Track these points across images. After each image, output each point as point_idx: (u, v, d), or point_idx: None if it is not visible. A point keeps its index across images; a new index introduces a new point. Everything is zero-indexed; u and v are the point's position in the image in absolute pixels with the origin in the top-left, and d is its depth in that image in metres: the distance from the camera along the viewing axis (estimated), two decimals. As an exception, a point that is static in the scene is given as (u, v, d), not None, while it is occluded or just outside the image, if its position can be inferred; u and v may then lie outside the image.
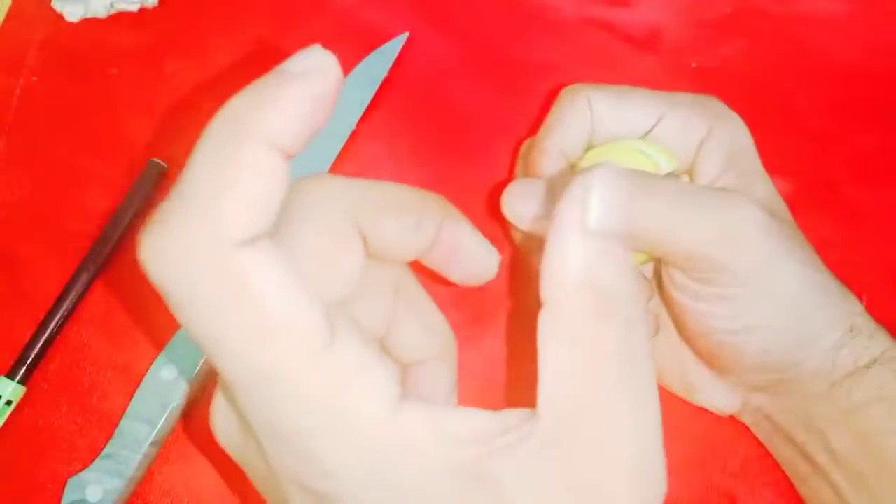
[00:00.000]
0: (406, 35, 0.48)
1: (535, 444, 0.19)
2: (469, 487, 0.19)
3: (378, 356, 0.19)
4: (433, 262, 0.25)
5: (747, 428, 0.38)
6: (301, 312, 0.18)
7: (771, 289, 0.32)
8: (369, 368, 0.19)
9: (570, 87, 0.36)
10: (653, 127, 0.35)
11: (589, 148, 0.35)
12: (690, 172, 0.35)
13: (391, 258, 0.24)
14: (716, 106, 0.35)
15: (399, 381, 0.20)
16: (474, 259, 0.25)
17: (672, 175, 0.34)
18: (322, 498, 0.19)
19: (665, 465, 0.20)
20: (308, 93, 0.18)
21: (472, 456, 0.19)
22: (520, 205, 0.33)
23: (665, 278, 0.33)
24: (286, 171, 0.18)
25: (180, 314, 0.18)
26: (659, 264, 0.34)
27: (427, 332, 0.26)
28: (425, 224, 0.24)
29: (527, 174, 0.37)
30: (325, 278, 0.22)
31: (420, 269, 0.26)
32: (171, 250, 0.18)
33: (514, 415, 0.19)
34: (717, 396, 0.37)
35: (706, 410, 0.38)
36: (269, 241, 0.18)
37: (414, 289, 0.26)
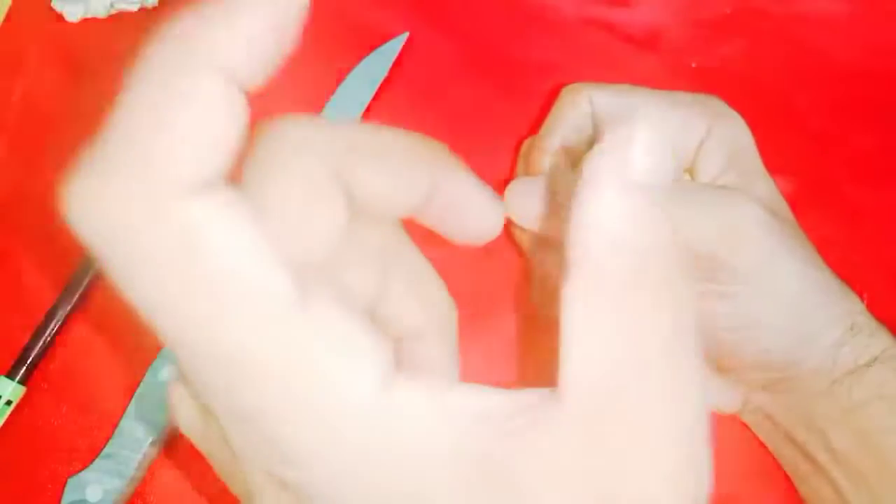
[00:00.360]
0: (406, 35, 0.48)
1: (556, 428, 0.16)
2: (476, 476, 0.16)
3: (364, 323, 0.16)
4: (429, 220, 0.21)
5: (747, 428, 0.38)
6: (263, 271, 0.15)
7: (772, 287, 0.32)
8: (353, 335, 0.15)
9: (571, 87, 0.36)
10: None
11: (590, 147, 0.36)
12: (691, 171, 0.35)
13: (380, 215, 0.21)
14: (716, 105, 0.35)
15: (391, 354, 0.16)
16: (477, 215, 0.22)
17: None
18: (296, 490, 0.16)
19: (710, 462, 0.17)
20: (267, 13, 0.15)
21: (481, 438, 0.16)
22: (521, 203, 0.33)
23: None
24: (243, 107, 0.15)
25: (117, 279, 0.15)
26: None
27: (423, 300, 0.23)
28: (420, 175, 0.20)
29: (528, 173, 0.37)
30: (299, 237, 0.18)
31: (411, 230, 0.23)
32: (103, 202, 0.14)
33: (530, 394, 0.16)
34: (718, 396, 0.37)
35: (706, 410, 0.38)
36: (224, 189, 0.15)
37: (407, 251, 0.22)
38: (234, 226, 0.14)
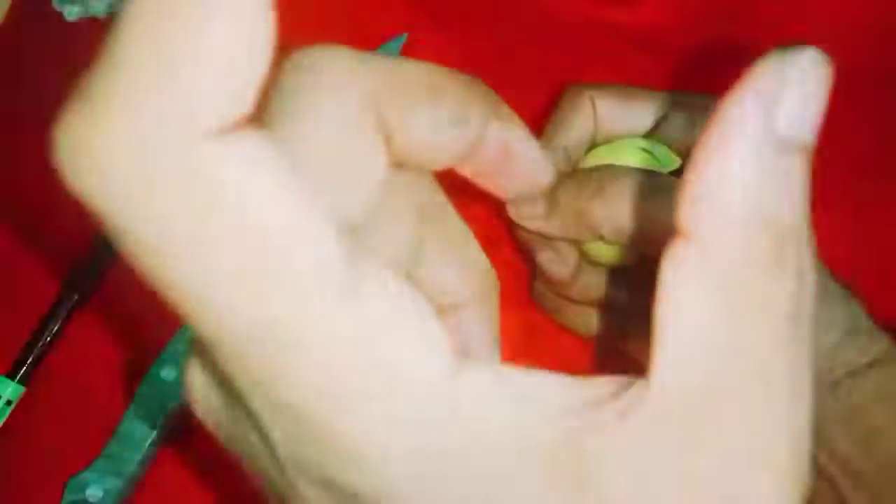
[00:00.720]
0: (405, 36, 0.48)
1: (651, 423, 0.14)
2: (561, 474, 0.13)
3: (422, 299, 0.13)
4: (476, 170, 0.19)
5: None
6: (314, 233, 0.12)
7: None
8: (416, 312, 0.13)
9: (573, 88, 0.36)
10: (657, 126, 0.35)
11: (592, 147, 0.36)
12: None
13: (421, 165, 0.18)
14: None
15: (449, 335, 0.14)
16: (527, 166, 0.20)
17: (675, 174, 0.35)
18: (350, 498, 0.14)
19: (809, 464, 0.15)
20: None
21: (565, 432, 0.13)
22: (524, 204, 0.33)
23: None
24: (269, 22, 0.11)
25: (133, 249, 0.12)
26: (653, 265, 0.35)
27: (462, 267, 0.20)
28: (469, 118, 0.18)
29: None
30: (338, 192, 0.16)
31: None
32: (107, 149, 0.11)
33: (610, 383, 0.14)
34: None
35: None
36: (256, 130, 0.12)
37: (444, 211, 0.20)
38: (272, 174, 0.12)
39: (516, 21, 0.49)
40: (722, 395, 0.14)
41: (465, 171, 0.19)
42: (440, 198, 0.20)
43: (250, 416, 0.14)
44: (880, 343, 0.33)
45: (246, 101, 0.11)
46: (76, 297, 0.43)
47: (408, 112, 0.17)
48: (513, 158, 0.19)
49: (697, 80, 0.47)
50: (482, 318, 0.20)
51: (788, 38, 0.48)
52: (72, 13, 0.50)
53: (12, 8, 0.51)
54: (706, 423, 0.14)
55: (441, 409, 0.13)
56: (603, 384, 0.14)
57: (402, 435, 0.13)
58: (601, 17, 0.49)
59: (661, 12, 0.49)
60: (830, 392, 0.33)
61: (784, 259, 0.14)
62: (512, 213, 0.32)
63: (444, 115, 0.18)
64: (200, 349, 0.16)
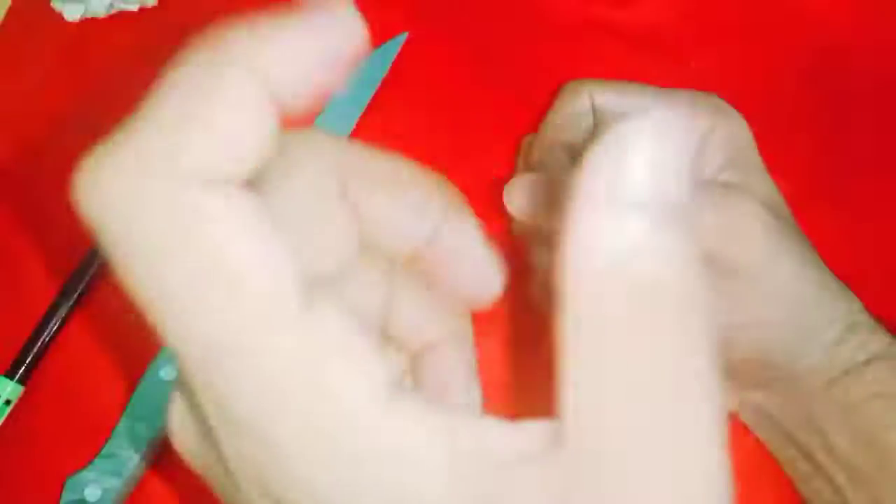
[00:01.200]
0: (405, 35, 0.48)
1: (554, 473, 0.14)
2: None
3: (367, 335, 0.15)
4: (428, 263, 0.21)
5: (747, 428, 0.38)
6: (269, 267, 0.14)
7: (771, 285, 0.32)
8: (354, 346, 0.14)
9: (572, 83, 0.36)
10: None
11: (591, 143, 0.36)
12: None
13: (383, 248, 0.20)
14: (717, 103, 0.35)
15: (398, 371, 0.16)
16: (476, 270, 0.21)
17: None
18: None
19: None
20: (317, 38, 0.15)
21: (477, 473, 0.14)
22: (523, 198, 0.32)
23: None
24: (275, 119, 0.14)
25: (120, 264, 0.15)
26: None
27: (435, 309, 0.22)
28: (426, 210, 0.19)
29: (528, 169, 0.37)
30: (308, 246, 0.18)
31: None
32: (118, 181, 0.14)
33: (531, 430, 0.15)
34: None
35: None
36: (241, 188, 0.14)
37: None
38: (244, 222, 0.14)
39: (516, 21, 0.49)
40: (617, 452, 0.14)
41: (420, 264, 0.20)
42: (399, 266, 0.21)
43: (215, 444, 0.16)
44: (879, 340, 0.33)
45: (238, 170, 0.14)
46: (76, 297, 0.43)
47: (371, 196, 0.19)
48: (463, 259, 0.20)
49: (697, 80, 0.47)
50: (457, 358, 0.22)
51: (789, 39, 0.48)
52: (72, 13, 0.50)
53: (12, 8, 0.51)
54: (608, 481, 0.14)
55: (369, 435, 0.14)
56: (524, 431, 0.15)
57: (328, 450, 0.14)
58: (601, 17, 0.49)
59: (660, 12, 0.49)
60: (828, 389, 0.33)
61: (656, 314, 0.14)
62: (510, 207, 0.32)
63: (402, 203, 0.19)
64: (181, 382, 0.18)
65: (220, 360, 0.14)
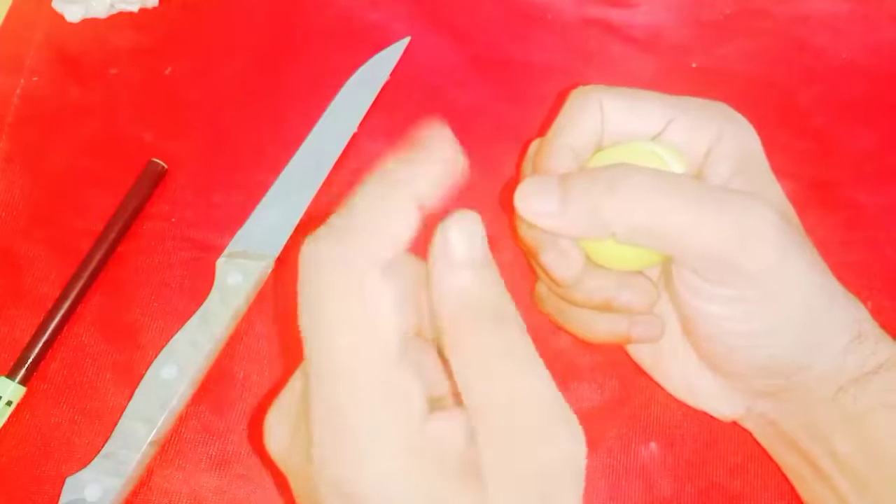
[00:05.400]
0: (408, 39, 0.48)
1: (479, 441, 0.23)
2: (463, 482, 0.23)
3: (420, 380, 0.24)
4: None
5: (751, 434, 0.38)
6: (389, 329, 0.23)
7: (783, 291, 0.31)
8: (412, 388, 0.23)
9: (581, 88, 0.35)
10: (662, 130, 0.34)
11: (598, 149, 0.35)
12: (699, 176, 0.35)
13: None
14: (725, 110, 0.35)
15: (426, 403, 0.24)
16: None
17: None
18: (350, 483, 0.23)
19: (570, 414, 0.24)
20: (445, 168, 0.24)
21: (458, 452, 0.23)
22: (536, 201, 0.32)
23: (677, 280, 0.33)
24: (419, 222, 0.24)
25: (307, 300, 0.23)
26: (669, 267, 0.34)
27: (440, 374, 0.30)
28: None
29: (536, 174, 0.37)
30: (406, 313, 0.26)
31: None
32: (329, 255, 0.23)
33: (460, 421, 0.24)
34: (721, 402, 0.37)
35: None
36: (394, 273, 0.23)
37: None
38: (388, 292, 0.23)
39: (517, 22, 0.49)
40: (491, 410, 0.23)
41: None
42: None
43: (303, 439, 0.24)
44: (885, 349, 0.33)
45: (396, 257, 0.23)
46: (76, 297, 0.43)
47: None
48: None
49: (697, 80, 0.47)
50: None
51: (789, 39, 0.48)
52: (72, 14, 0.50)
53: (12, 8, 0.51)
54: (516, 438, 0.23)
55: (414, 438, 0.23)
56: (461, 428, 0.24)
57: (389, 450, 0.23)
58: (601, 17, 0.49)
59: (660, 12, 0.49)
60: (835, 398, 0.33)
61: (485, 324, 0.24)
62: (522, 209, 0.32)
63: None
64: (279, 402, 0.26)
65: (338, 379, 0.23)
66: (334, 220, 0.23)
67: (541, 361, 0.24)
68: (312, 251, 0.23)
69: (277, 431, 0.26)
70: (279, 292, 0.43)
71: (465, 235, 0.24)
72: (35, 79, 0.49)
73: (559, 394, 0.24)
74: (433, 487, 0.23)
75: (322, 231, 0.23)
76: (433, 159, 0.24)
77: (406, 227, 0.23)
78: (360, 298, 0.23)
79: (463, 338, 0.24)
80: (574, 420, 0.24)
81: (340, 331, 0.23)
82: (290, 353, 0.42)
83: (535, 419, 0.24)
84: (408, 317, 0.27)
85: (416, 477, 0.23)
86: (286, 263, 0.43)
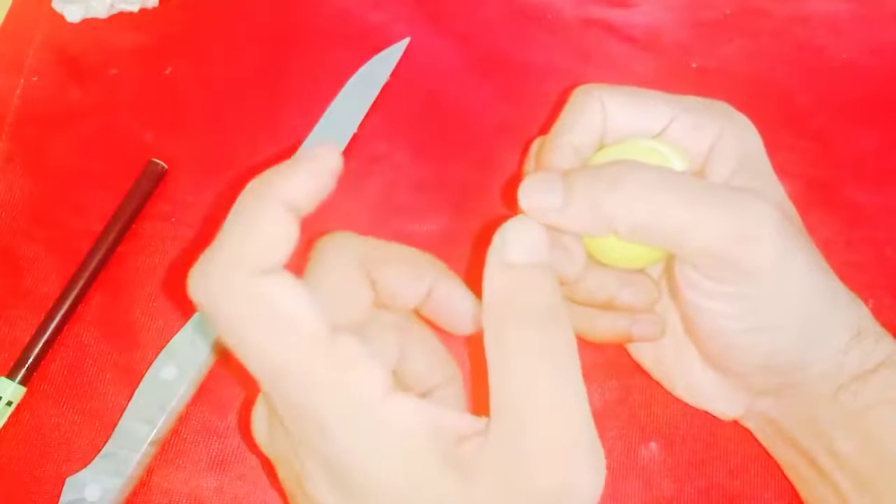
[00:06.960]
0: (408, 40, 0.48)
1: (492, 444, 0.24)
2: (448, 469, 0.24)
3: (374, 354, 0.24)
4: (428, 311, 0.30)
5: (750, 433, 0.38)
6: (305, 316, 0.23)
7: (784, 289, 0.31)
8: (365, 360, 0.24)
9: (583, 87, 0.35)
10: (664, 128, 0.34)
11: (600, 147, 0.35)
12: (701, 174, 0.35)
13: (396, 304, 0.29)
14: (727, 109, 0.35)
15: (391, 376, 0.24)
16: (459, 312, 0.30)
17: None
18: (332, 463, 0.24)
19: (597, 444, 0.25)
20: (312, 171, 0.24)
21: (441, 442, 0.24)
22: (539, 196, 0.32)
23: (679, 277, 0.33)
24: (295, 225, 0.24)
25: (217, 327, 0.24)
26: (670, 264, 0.34)
27: (433, 361, 0.31)
28: (423, 277, 0.29)
29: (539, 171, 0.36)
30: (339, 305, 0.27)
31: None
32: (210, 279, 0.23)
33: (482, 420, 0.25)
34: (722, 400, 0.37)
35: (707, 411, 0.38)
36: (285, 272, 0.24)
37: (419, 327, 0.31)
38: (288, 290, 0.23)
39: (517, 22, 0.49)
40: (529, 420, 0.24)
41: (423, 311, 0.30)
42: (416, 322, 0.31)
43: (281, 427, 0.25)
44: (886, 347, 0.33)
45: (277, 260, 0.24)
46: (76, 297, 0.43)
47: (383, 270, 0.29)
48: (450, 307, 0.30)
49: (697, 80, 0.47)
50: (453, 391, 0.31)
51: (789, 39, 0.48)
52: (72, 14, 0.50)
53: (12, 8, 0.51)
54: (528, 445, 0.24)
55: (376, 414, 0.24)
56: (472, 422, 0.25)
57: (354, 426, 0.24)
58: (601, 17, 0.49)
59: (660, 12, 0.49)
60: (835, 395, 0.33)
61: (529, 331, 0.25)
62: (525, 205, 0.32)
63: (406, 273, 0.29)
64: (262, 394, 0.27)
65: (285, 378, 0.24)
66: (211, 244, 0.24)
67: (581, 380, 0.25)
68: (196, 282, 0.24)
69: (260, 426, 0.27)
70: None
71: (521, 237, 0.26)
72: (35, 79, 0.49)
73: (592, 421, 0.24)
74: (406, 464, 0.24)
75: (202, 258, 0.24)
76: (300, 168, 0.24)
77: (278, 228, 0.24)
78: (262, 302, 0.23)
79: (504, 333, 0.25)
80: (600, 454, 0.25)
81: (258, 338, 0.23)
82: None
83: (557, 433, 0.24)
84: (347, 300, 0.28)
85: (383, 452, 0.24)
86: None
